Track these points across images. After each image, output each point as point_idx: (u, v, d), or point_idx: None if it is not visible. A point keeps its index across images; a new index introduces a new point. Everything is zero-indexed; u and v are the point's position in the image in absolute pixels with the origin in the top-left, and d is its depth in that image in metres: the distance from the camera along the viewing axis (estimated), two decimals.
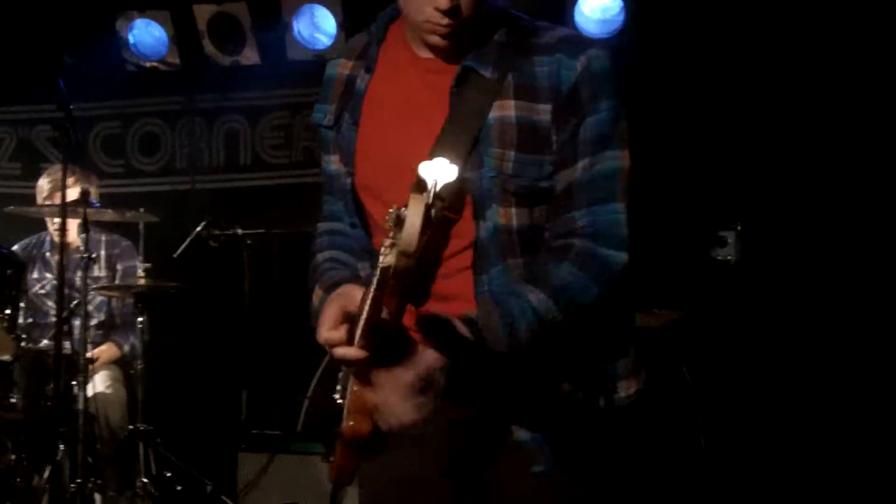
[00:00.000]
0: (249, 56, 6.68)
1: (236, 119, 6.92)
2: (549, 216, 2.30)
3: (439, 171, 1.88)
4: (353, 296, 2.22)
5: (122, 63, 6.77)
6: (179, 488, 5.39)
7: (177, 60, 6.76)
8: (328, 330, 2.20)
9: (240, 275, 6.09)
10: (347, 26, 6.34)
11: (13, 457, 5.03)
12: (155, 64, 6.80)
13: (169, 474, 5.40)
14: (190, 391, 6.27)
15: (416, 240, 1.84)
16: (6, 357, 5.15)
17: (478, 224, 2.27)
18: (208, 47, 6.69)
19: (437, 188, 1.87)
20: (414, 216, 1.84)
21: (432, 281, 2.31)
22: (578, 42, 2.33)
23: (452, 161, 1.93)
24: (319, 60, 6.18)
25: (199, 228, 5.90)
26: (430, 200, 1.86)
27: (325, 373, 5.16)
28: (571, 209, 2.27)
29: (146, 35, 6.72)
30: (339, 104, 2.45)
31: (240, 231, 6.02)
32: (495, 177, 2.25)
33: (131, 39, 6.72)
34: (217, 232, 5.99)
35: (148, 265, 5.59)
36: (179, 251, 5.89)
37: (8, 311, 5.07)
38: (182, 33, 6.67)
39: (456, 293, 2.29)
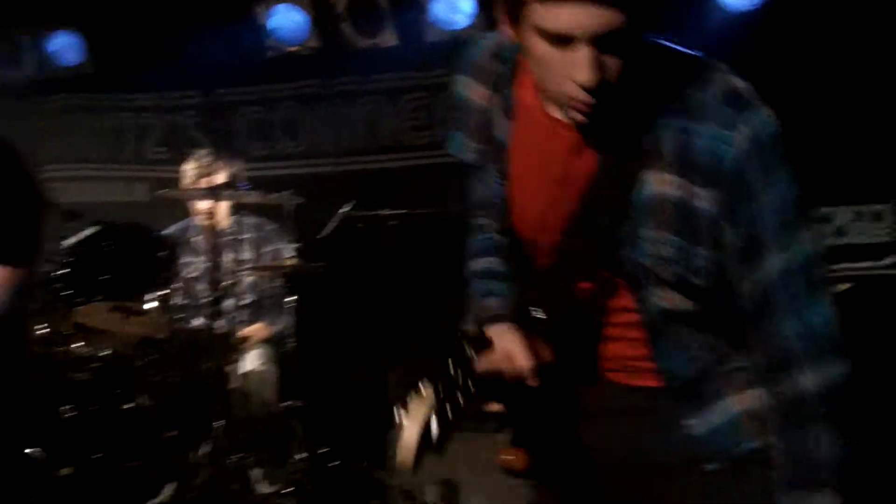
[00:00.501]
0: (387, 38, 6.71)
1: (376, 101, 6.96)
2: (741, 325, 2.07)
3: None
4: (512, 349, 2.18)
5: (262, 48, 6.86)
6: (333, 464, 5.45)
7: (316, 44, 6.83)
8: (526, 359, 2.17)
9: (384, 255, 6.12)
10: (486, 4, 6.33)
11: (173, 432, 5.15)
12: (295, 48, 6.88)
13: (324, 450, 5.47)
14: (340, 370, 6.32)
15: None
16: (162, 336, 5.29)
17: (640, 303, 2.12)
18: (347, 30, 6.74)
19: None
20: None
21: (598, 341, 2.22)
22: (735, 102, 1.98)
23: (597, 233, 1.91)
24: (458, 40, 6.19)
25: (343, 210, 5.94)
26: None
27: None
28: (771, 317, 2.01)
29: (286, 20, 6.80)
30: (478, 144, 2.30)
31: (383, 212, 6.05)
32: (651, 260, 2.05)
33: (271, 25, 6.80)
34: (361, 213, 6.02)
35: (295, 246, 5.67)
36: (325, 232, 5.93)
37: (162, 292, 5.19)
38: (321, 17, 6.73)
39: (635, 366, 2.20)
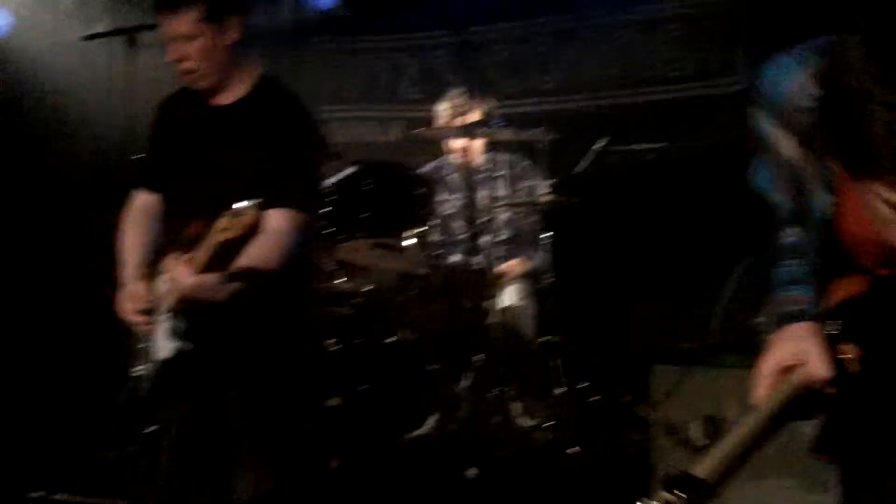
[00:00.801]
0: None
1: (630, 34, 6.82)
2: None
3: None
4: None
5: None
6: (595, 399, 5.43)
7: None
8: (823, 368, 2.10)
9: (640, 190, 6.02)
10: None
11: (434, 366, 5.24)
12: None
13: (584, 385, 5.46)
14: (598, 304, 6.28)
15: None
16: (422, 272, 5.37)
17: None
18: None
19: None
20: None
21: None
22: None
23: None
24: None
25: (598, 145, 5.87)
26: None
27: (739, 287, 5.03)
28: None
29: None
30: (789, 198, 2.20)
31: (639, 147, 5.96)
32: None
33: None
34: (616, 148, 5.94)
35: (551, 182, 5.64)
36: (579, 168, 5.88)
37: (420, 230, 5.26)
38: None
39: None
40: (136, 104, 5.23)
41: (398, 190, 5.38)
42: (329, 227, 5.24)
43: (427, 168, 6.04)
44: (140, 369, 3.37)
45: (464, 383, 5.20)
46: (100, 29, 5.65)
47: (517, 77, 7.03)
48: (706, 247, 5.81)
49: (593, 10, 6.85)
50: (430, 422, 5.17)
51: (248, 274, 3.14)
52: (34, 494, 4.92)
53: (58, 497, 4.95)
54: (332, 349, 4.87)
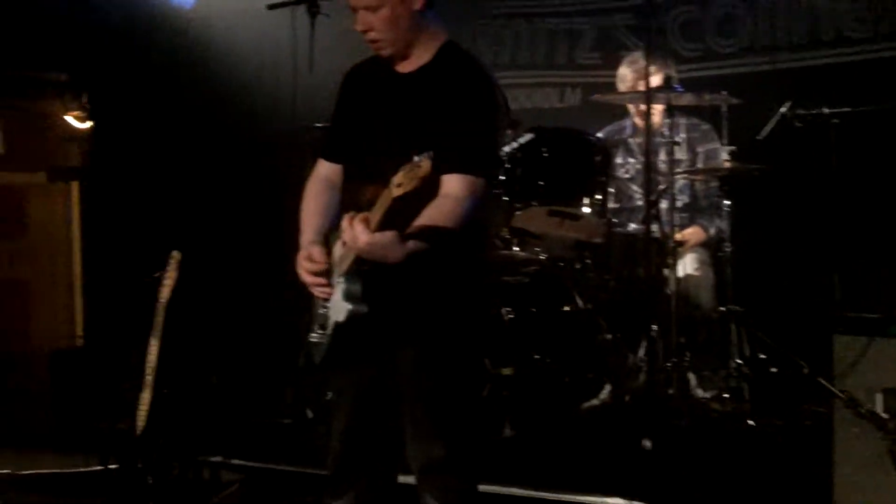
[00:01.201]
0: None
1: None
2: None
3: None
4: None
5: None
6: (774, 370, 5.32)
7: None
8: None
9: (826, 155, 5.85)
10: None
11: (609, 336, 5.21)
12: None
13: (763, 356, 5.36)
14: (779, 273, 6.14)
15: None
16: (598, 240, 5.34)
17: None
18: None
19: None
20: None
21: None
22: None
23: None
24: None
25: (782, 109, 5.71)
26: None
27: None
28: None
29: None
30: None
31: (825, 110, 5.77)
32: None
33: None
34: (802, 112, 5.77)
35: (732, 148, 5.53)
36: (763, 133, 5.73)
37: (598, 197, 5.23)
38: None
39: None
40: (318, 72, 5.35)
41: (575, 157, 5.37)
42: (506, 195, 5.27)
43: (606, 131, 5.99)
44: (317, 334, 3.41)
45: (640, 353, 5.16)
46: None
47: (698, 40, 6.88)
48: (892, 215, 5.62)
49: None
50: (604, 392, 5.16)
51: (424, 234, 3.14)
52: (212, 459, 5.09)
53: (235, 462, 5.11)
54: (506, 317, 4.87)
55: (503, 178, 5.22)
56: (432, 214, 3.17)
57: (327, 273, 3.36)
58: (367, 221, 3.10)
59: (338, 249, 3.37)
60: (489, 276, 3.68)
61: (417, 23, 3.39)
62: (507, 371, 4.82)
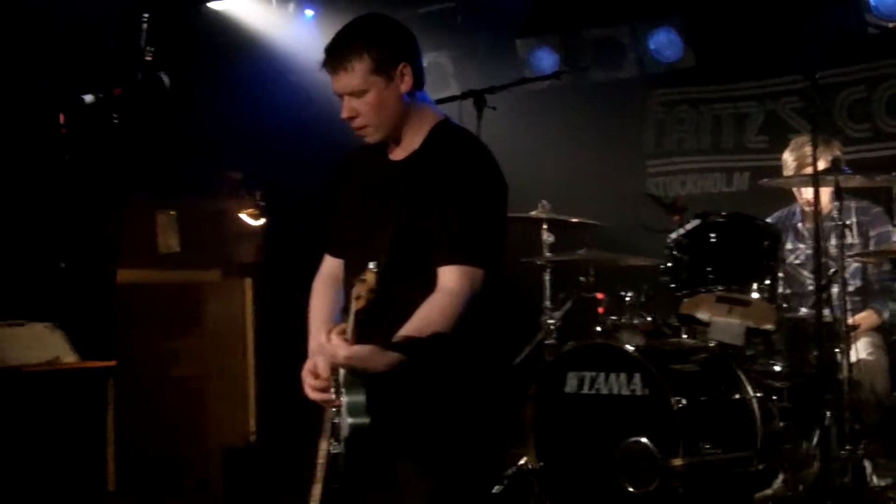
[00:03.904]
0: None
1: None
2: None
3: None
4: None
5: (863, 26, 6.61)
6: None
7: None
8: None
9: None
10: None
11: (782, 424, 5.14)
12: None
13: None
14: None
15: None
16: (768, 326, 5.29)
17: None
18: None
19: None
20: None
21: None
22: None
23: None
24: None
25: None
26: None
27: None
28: None
29: None
30: None
31: None
32: None
33: (872, 1, 6.53)
34: None
35: None
36: None
37: (767, 282, 5.20)
38: None
39: None
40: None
41: (744, 242, 5.35)
42: (673, 282, 5.28)
43: (774, 217, 5.96)
44: (334, 447, 3.21)
45: (813, 441, 5.08)
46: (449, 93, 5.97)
47: (867, 121, 6.81)
48: None
49: None
50: (779, 481, 5.08)
51: (411, 342, 3.01)
52: None
53: None
54: (676, 406, 4.86)
55: (669, 264, 5.25)
56: (425, 314, 3.06)
57: (330, 387, 3.20)
58: (342, 333, 3.04)
59: None
60: (500, 371, 3.43)
61: (406, 106, 3.26)
62: (677, 462, 4.78)
